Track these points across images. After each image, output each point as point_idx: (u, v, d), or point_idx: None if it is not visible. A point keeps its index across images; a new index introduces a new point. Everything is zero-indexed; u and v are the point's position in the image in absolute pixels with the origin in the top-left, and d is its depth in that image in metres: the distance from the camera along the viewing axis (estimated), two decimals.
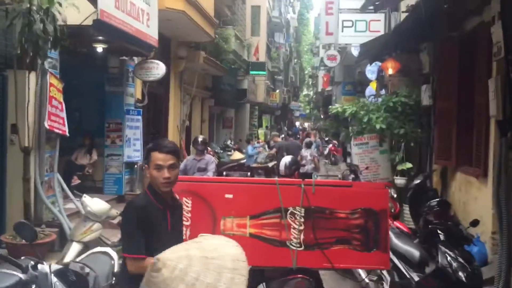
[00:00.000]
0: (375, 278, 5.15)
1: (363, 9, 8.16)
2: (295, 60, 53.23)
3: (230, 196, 3.82)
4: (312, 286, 3.82)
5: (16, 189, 6.72)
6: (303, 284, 3.76)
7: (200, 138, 8.37)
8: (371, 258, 3.78)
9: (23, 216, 6.59)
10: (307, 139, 14.98)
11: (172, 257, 2.30)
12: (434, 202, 6.87)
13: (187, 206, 3.73)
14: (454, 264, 4.39)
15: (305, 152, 12.89)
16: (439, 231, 4.84)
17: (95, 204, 5.78)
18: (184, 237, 3.38)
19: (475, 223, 5.05)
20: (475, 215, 6.61)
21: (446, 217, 6.74)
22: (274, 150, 14.02)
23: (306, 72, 63.67)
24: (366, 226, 3.76)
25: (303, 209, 3.77)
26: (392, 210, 7.12)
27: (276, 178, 4.57)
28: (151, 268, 2.31)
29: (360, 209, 3.78)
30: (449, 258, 4.47)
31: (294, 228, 3.77)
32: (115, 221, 6.78)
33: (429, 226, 4.86)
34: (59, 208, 7.24)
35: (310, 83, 64.74)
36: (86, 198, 5.80)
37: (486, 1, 5.87)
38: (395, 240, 5.29)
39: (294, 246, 3.76)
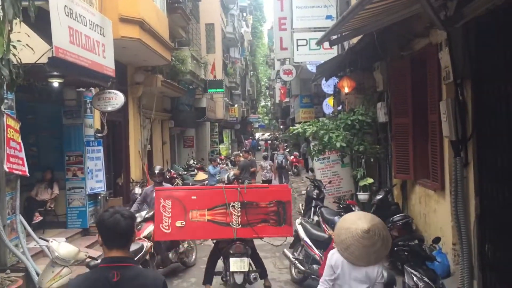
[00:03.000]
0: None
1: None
2: (251, 73, 53.66)
3: (195, 197, 6.18)
4: (246, 249, 6.15)
5: None
6: (241, 246, 6.12)
7: (157, 170, 8.17)
8: (282, 230, 6.16)
9: None
10: (264, 153, 18.43)
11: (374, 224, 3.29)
12: (397, 217, 7.13)
13: (169, 205, 6.05)
14: (421, 284, 4.59)
15: (265, 163, 16.60)
16: (404, 252, 5.03)
17: (63, 248, 5.63)
18: (167, 223, 6.01)
19: (437, 240, 5.28)
20: (435, 227, 6.88)
21: (409, 231, 7.01)
22: (237, 170, 14.13)
23: (262, 83, 64.22)
24: (278, 211, 6.09)
25: (239, 203, 6.09)
26: None
27: (223, 185, 7.67)
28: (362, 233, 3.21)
29: (274, 201, 6.11)
30: (415, 278, 4.66)
31: (234, 215, 6.05)
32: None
33: (395, 248, 5.02)
34: (23, 250, 7.06)
35: (267, 93, 65.40)
36: (53, 243, 5.66)
37: (432, 25, 6.17)
38: None
39: (234, 225, 6.04)
